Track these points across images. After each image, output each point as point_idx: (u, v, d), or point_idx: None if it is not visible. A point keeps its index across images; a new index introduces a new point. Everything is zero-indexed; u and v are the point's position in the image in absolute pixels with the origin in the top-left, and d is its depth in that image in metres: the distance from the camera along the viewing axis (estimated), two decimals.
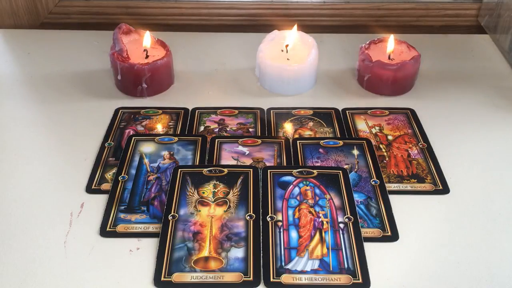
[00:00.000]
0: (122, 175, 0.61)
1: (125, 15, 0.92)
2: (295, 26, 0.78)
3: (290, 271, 0.50)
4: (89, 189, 0.59)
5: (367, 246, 0.53)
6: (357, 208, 0.57)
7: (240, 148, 0.65)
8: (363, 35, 0.88)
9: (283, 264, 0.51)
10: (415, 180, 0.61)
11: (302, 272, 0.50)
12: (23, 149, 0.65)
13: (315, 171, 0.60)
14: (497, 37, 0.88)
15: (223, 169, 0.61)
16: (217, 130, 0.69)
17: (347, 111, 0.72)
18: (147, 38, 0.76)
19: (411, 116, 0.71)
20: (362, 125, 0.70)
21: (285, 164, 0.63)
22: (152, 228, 0.55)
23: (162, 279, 0.49)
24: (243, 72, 0.81)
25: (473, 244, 0.54)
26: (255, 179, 0.59)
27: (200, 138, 0.66)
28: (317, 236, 0.53)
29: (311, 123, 0.70)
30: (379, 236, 0.54)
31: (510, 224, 0.56)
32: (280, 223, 0.55)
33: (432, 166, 0.63)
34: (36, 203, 0.58)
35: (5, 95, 0.75)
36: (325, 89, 0.78)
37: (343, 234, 0.53)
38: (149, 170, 0.62)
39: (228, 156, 0.64)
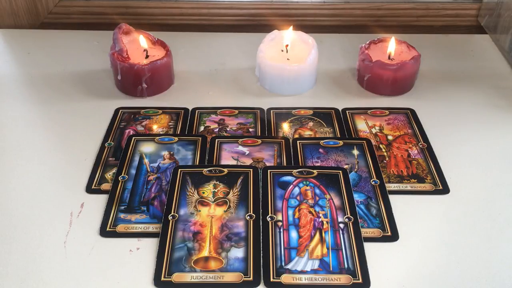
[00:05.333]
0: (122, 175, 0.61)
1: (125, 15, 0.92)
2: (291, 28, 0.77)
3: (290, 271, 0.50)
4: (89, 189, 0.59)
5: (367, 246, 0.53)
6: (357, 208, 0.57)
7: (240, 148, 0.65)
8: (363, 35, 0.88)
9: (283, 264, 0.51)
10: (415, 180, 0.61)
11: (302, 272, 0.50)
12: (23, 149, 0.65)
13: (315, 171, 0.60)
14: (497, 37, 0.88)
15: (223, 169, 0.61)
16: (217, 130, 0.69)
17: (347, 111, 0.72)
18: (143, 40, 0.76)
19: (411, 116, 0.71)
20: (362, 125, 0.70)
21: (285, 164, 0.63)
22: (152, 228, 0.55)
23: (162, 279, 0.49)
24: (243, 72, 0.81)
25: (473, 244, 0.54)
26: (255, 179, 0.59)
27: (200, 138, 0.66)
28: (317, 236, 0.53)
29: (311, 123, 0.70)
30: (379, 236, 0.54)
31: (510, 224, 0.56)
32: (280, 223, 0.55)
33: (432, 166, 0.63)
34: (36, 203, 0.58)
35: (5, 95, 0.76)
36: (325, 89, 0.78)
37: (343, 234, 0.53)
38: (149, 170, 0.62)
39: (228, 156, 0.64)
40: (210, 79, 0.80)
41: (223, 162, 0.63)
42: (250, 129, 0.69)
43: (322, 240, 0.53)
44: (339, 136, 0.68)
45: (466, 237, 0.54)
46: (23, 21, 0.93)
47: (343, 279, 0.49)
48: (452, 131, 0.69)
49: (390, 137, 0.68)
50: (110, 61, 0.75)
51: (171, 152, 0.64)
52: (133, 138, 0.66)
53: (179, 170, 0.61)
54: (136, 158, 0.63)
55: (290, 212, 0.56)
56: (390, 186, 0.60)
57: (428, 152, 0.65)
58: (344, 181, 0.59)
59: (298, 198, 0.57)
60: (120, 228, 0.55)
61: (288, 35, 0.77)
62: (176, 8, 0.92)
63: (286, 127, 0.69)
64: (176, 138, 0.66)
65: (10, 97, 0.75)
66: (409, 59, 0.74)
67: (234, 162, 0.63)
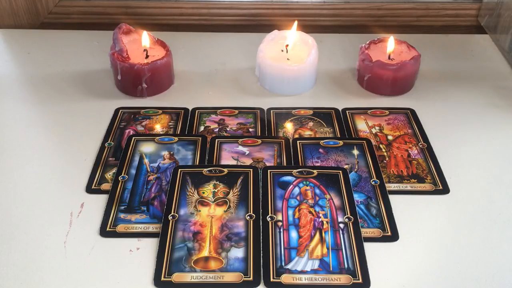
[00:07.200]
0: (122, 175, 0.61)
1: (125, 15, 0.92)
2: (295, 23, 0.77)
3: (290, 271, 0.50)
4: (89, 189, 0.59)
5: (367, 246, 0.53)
6: (357, 208, 0.57)
7: (240, 148, 0.65)
8: (363, 35, 0.88)
9: (283, 264, 0.51)
10: (415, 180, 0.61)
11: (302, 272, 0.50)
12: (23, 149, 0.65)
13: (315, 171, 0.60)
14: (497, 37, 0.88)
15: (223, 169, 0.61)
16: (217, 130, 0.69)
17: (347, 111, 0.72)
18: (145, 37, 0.76)
19: (411, 116, 0.71)
20: (362, 125, 0.70)
21: (285, 164, 0.63)
22: (152, 228, 0.55)
23: (162, 279, 0.49)
24: (243, 72, 0.81)
25: (473, 244, 0.54)
26: (255, 179, 0.59)
27: (200, 138, 0.66)
28: (317, 236, 0.53)
29: (311, 123, 0.70)
30: (379, 236, 0.54)
31: (510, 224, 0.56)
32: (280, 223, 0.55)
33: (432, 166, 0.63)
34: (36, 203, 0.58)
35: (5, 95, 0.76)
36: (325, 89, 0.78)
37: (343, 234, 0.53)
38: (149, 170, 0.62)
39: (228, 156, 0.64)
40: (210, 79, 0.80)
41: (223, 162, 0.63)
42: (250, 129, 0.69)
43: (322, 240, 0.53)
44: (339, 136, 0.68)
45: (466, 237, 0.54)
46: (23, 21, 0.93)
47: (343, 279, 0.49)
48: (452, 131, 0.69)
49: (390, 137, 0.68)
50: (110, 61, 0.75)
51: (171, 152, 0.64)
52: (133, 138, 0.66)
53: (179, 170, 0.61)
54: (136, 158, 0.63)
55: (290, 212, 0.56)
56: (390, 186, 0.60)
57: (428, 152, 0.65)
58: (344, 181, 0.59)
59: (298, 198, 0.57)
60: (120, 228, 0.55)
61: (292, 32, 0.77)
62: (176, 8, 0.92)
63: (289, 127, 0.69)
64: (176, 138, 0.66)
65: (10, 97, 0.75)
66: (409, 59, 0.74)
67: (234, 162, 0.63)
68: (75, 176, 0.61)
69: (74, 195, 0.59)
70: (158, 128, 0.69)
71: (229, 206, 0.56)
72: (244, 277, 0.50)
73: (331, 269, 0.50)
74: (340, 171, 0.60)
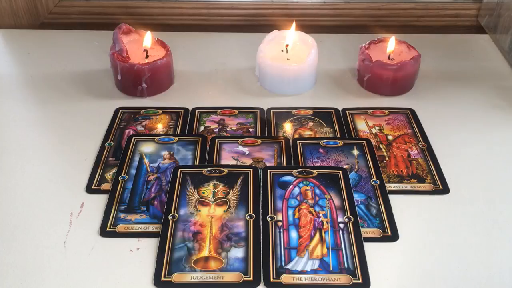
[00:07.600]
0: (122, 175, 0.61)
1: (125, 15, 0.92)
2: (293, 24, 0.77)
3: (290, 271, 0.50)
4: (89, 189, 0.59)
5: (367, 246, 0.53)
6: (357, 208, 0.57)
7: (240, 148, 0.65)
8: (363, 35, 0.88)
9: (283, 264, 0.51)
10: (415, 180, 0.61)
11: (302, 272, 0.50)
12: (23, 149, 0.65)
13: (315, 171, 0.60)
14: (497, 37, 0.88)
15: (223, 169, 0.61)
16: (217, 130, 0.69)
17: (347, 111, 0.72)
18: (148, 38, 0.76)
19: (411, 116, 0.71)
20: (362, 125, 0.70)
21: (285, 164, 0.63)
22: (152, 228, 0.55)
23: (162, 279, 0.49)
24: (243, 72, 0.81)
25: (473, 244, 0.54)
26: (255, 179, 0.59)
27: (200, 138, 0.66)
28: (317, 236, 0.53)
29: (311, 123, 0.70)
30: (379, 236, 0.54)
31: (510, 224, 0.56)
32: (280, 223, 0.55)
33: (432, 166, 0.63)
34: (36, 203, 0.58)
35: (5, 95, 0.76)
36: (325, 89, 0.78)
37: (343, 234, 0.53)
38: (149, 170, 0.62)
39: (228, 156, 0.64)
40: (210, 79, 0.80)
41: (223, 162, 0.63)
42: (250, 129, 0.69)
43: (322, 240, 0.53)
44: (339, 136, 0.68)
45: (466, 237, 0.54)
46: (23, 21, 0.93)
47: (343, 279, 0.49)
48: (452, 131, 0.69)
49: (390, 137, 0.68)
50: (110, 61, 0.75)
51: (171, 152, 0.64)
52: (133, 138, 0.66)
53: (179, 170, 0.61)
54: (136, 158, 0.63)
55: (290, 212, 0.56)
56: (390, 186, 0.60)
57: (428, 152, 0.65)
58: (344, 181, 0.59)
59: (298, 198, 0.57)
60: (120, 228, 0.55)
61: (290, 32, 0.77)
62: (176, 8, 0.92)
63: (289, 127, 0.69)
64: (176, 138, 0.66)
65: (10, 97, 0.75)
66: (409, 59, 0.74)
67: (234, 162, 0.63)
68: (75, 176, 0.61)
69: (74, 195, 0.59)
70: (158, 128, 0.69)
71: (229, 206, 0.56)
72: (244, 277, 0.50)
73: (331, 269, 0.50)
74: (340, 171, 0.60)
